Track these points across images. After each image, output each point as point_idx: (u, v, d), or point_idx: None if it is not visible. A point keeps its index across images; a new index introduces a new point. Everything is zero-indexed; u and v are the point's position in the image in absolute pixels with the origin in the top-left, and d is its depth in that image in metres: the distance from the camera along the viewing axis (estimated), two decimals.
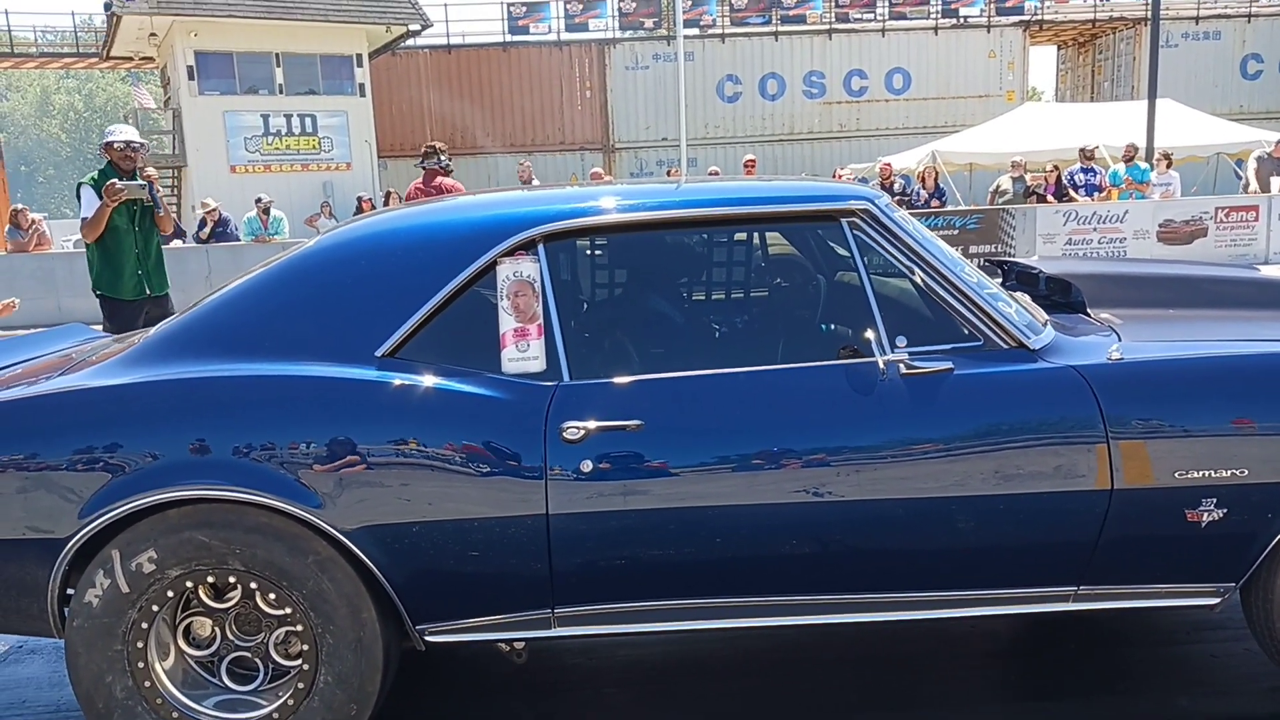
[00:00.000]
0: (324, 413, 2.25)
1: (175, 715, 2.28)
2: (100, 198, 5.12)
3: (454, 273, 2.36)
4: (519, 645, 2.44)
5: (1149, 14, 16.15)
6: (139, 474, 2.19)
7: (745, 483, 2.24)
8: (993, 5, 23.53)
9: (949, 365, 2.28)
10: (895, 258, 2.40)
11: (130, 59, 22.69)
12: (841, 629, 2.57)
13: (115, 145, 5.24)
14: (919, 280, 2.38)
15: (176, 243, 12.57)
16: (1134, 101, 18.71)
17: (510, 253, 2.37)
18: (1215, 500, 2.25)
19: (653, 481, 2.23)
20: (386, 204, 14.80)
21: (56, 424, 2.27)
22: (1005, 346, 2.33)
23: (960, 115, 22.54)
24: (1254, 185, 13.41)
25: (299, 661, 2.30)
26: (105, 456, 2.20)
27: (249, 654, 2.35)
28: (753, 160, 13.99)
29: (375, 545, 2.23)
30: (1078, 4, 24.21)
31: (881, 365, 2.26)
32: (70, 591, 2.27)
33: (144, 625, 2.25)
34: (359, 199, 14.95)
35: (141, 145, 5.43)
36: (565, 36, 23.98)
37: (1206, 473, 2.24)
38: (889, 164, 14.85)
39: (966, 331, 2.35)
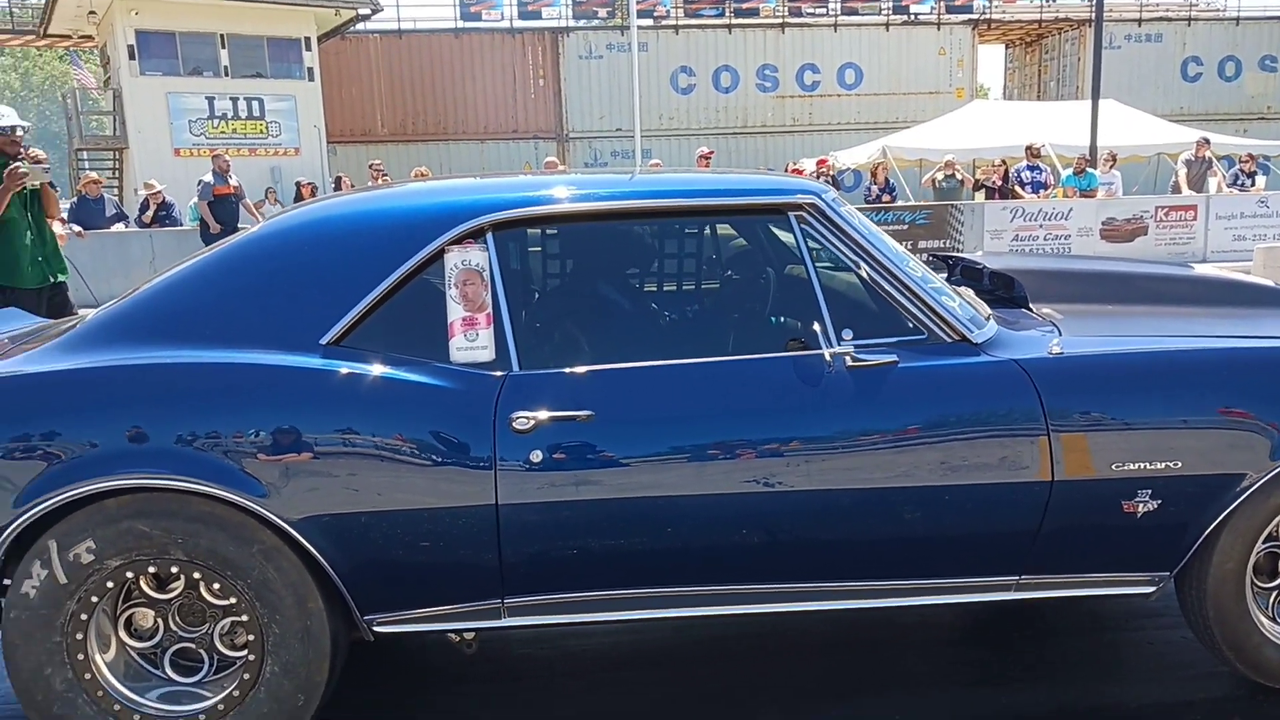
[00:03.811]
0: (268, 401, 2.22)
1: (117, 708, 2.24)
2: None
3: (401, 260, 2.34)
4: (469, 635, 2.44)
5: (1093, 15, 16.46)
6: (76, 462, 2.14)
7: (694, 473, 2.26)
8: (942, 3, 23.83)
9: (894, 358, 2.32)
10: (841, 251, 2.43)
11: (68, 37, 22.02)
12: (787, 618, 2.60)
13: (2, 130, 5.00)
14: (864, 274, 2.42)
15: (119, 226, 12.29)
16: (1078, 101, 19.10)
17: (458, 241, 2.35)
18: (1150, 491, 2.32)
19: (603, 472, 2.24)
20: (337, 190, 14.58)
21: None
22: (949, 340, 2.38)
23: (911, 111, 22.80)
24: (1185, 188, 13.81)
25: (245, 652, 2.27)
26: (42, 444, 2.15)
27: (193, 645, 2.31)
28: (709, 153, 14.01)
29: (322, 535, 2.21)
30: (1024, 4, 24.60)
31: (828, 357, 2.29)
32: (7, 582, 2.22)
33: (83, 617, 2.21)
34: (298, 184, 14.66)
35: (25, 129, 5.22)
36: (518, 24, 23.79)
37: (1142, 465, 2.31)
38: (826, 159, 15.00)
39: (911, 325, 2.39)
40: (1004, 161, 14.81)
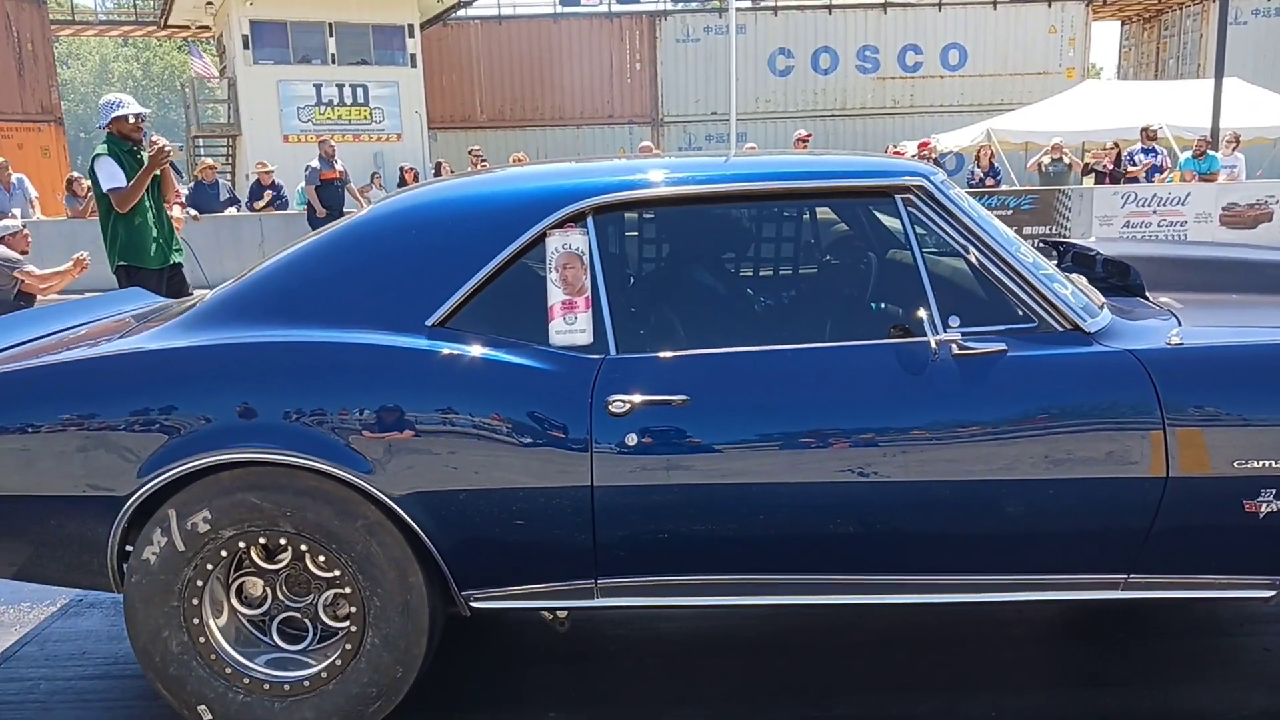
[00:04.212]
0: (375, 380, 2.27)
1: (228, 671, 2.34)
2: (122, 167, 5.11)
3: (504, 244, 2.37)
4: (562, 614, 2.46)
5: None
6: (194, 436, 2.23)
7: (791, 461, 2.23)
8: None
9: (1002, 346, 2.24)
10: (950, 236, 2.36)
11: (187, 28, 22.99)
12: (882, 609, 2.56)
13: (128, 118, 5.18)
14: (973, 259, 2.34)
15: (231, 210, 12.78)
16: (1200, 80, 18.13)
17: (560, 225, 2.36)
18: (1275, 491, 2.20)
19: (697, 457, 2.24)
20: (437, 175, 14.89)
21: (116, 385, 2.33)
22: (1060, 329, 2.29)
23: (1017, 93, 22.05)
24: None
25: (347, 623, 2.35)
26: (162, 418, 2.25)
27: (299, 614, 2.40)
28: (807, 135, 13.78)
29: (423, 511, 2.26)
30: None
31: (933, 345, 2.23)
32: (129, 548, 2.33)
33: (199, 583, 2.31)
34: (401, 169, 15.02)
35: (145, 116, 5.36)
36: (616, 8, 23.83)
37: (1267, 463, 2.19)
38: (928, 142, 14.61)
39: (1021, 313, 2.31)
40: (1116, 144, 14.20)
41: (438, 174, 14.96)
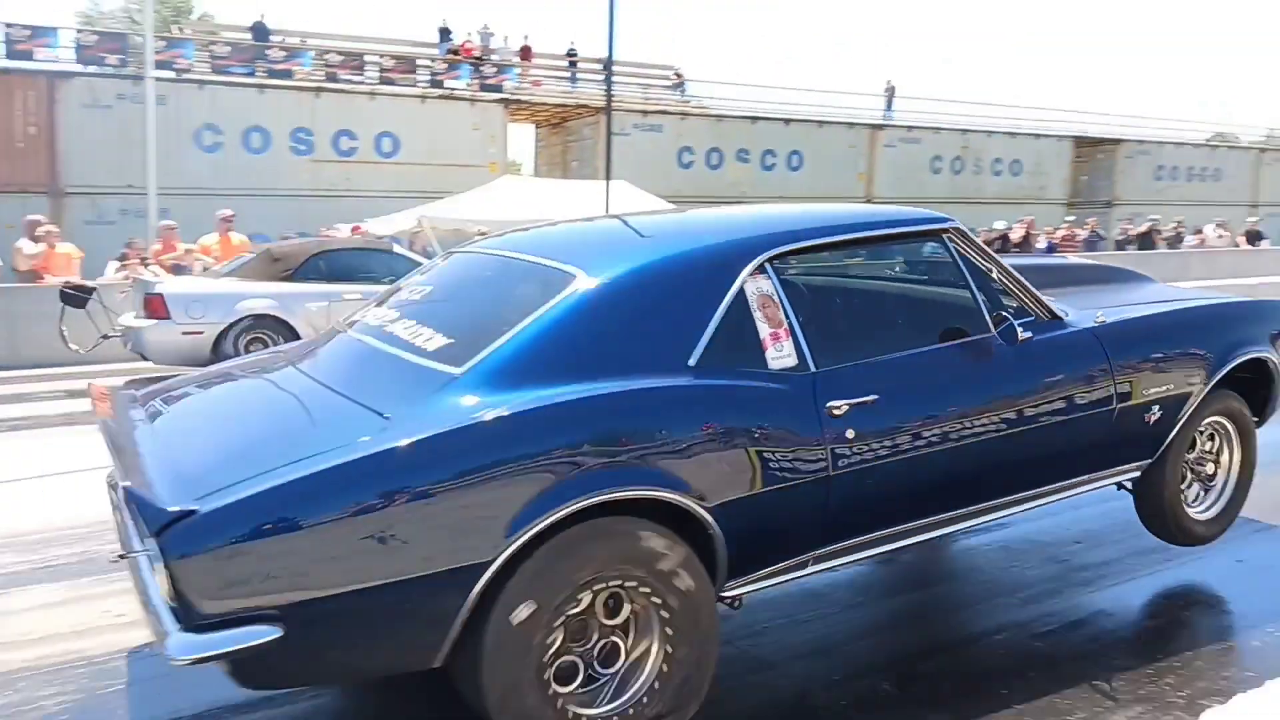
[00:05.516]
0: (678, 415, 2.55)
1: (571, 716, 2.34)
2: None
3: (723, 291, 2.76)
4: (742, 596, 2.77)
5: (607, 104, 18.49)
6: (554, 490, 2.30)
7: (953, 429, 2.96)
8: (477, 82, 25.30)
9: (1030, 334, 3.20)
10: (979, 262, 3.28)
11: None
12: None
13: None
14: (995, 276, 3.28)
15: None
16: (597, 181, 21.22)
17: (753, 272, 2.81)
18: (1158, 406, 3.49)
19: (894, 439, 2.85)
20: None
21: (448, 458, 2.28)
22: (1047, 319, 3.34)
23: (448, 182, 23.47)
24: None
25: (650, 645, 2.48)
26: (512, 481, 2.27)
27: (609, 641, 2.47)
28: (230, 214, 12.84)
29: (726, 519, 2.54)
30: (551, 89, 27.08)
31: (1020, 338, 3.13)
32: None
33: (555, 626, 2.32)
34: None
35: None
36: (4, 64, 20.40)
37: (1153, 390, 3.47)
38: (360, 226, 15.19)
39: (1029, 310, 3.31)
40: None
41: None
